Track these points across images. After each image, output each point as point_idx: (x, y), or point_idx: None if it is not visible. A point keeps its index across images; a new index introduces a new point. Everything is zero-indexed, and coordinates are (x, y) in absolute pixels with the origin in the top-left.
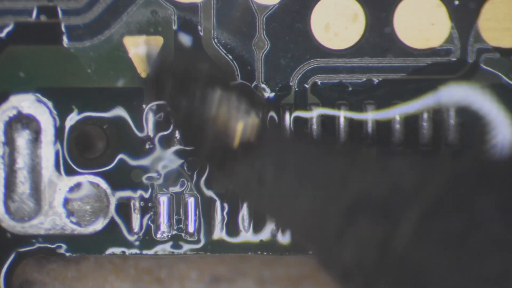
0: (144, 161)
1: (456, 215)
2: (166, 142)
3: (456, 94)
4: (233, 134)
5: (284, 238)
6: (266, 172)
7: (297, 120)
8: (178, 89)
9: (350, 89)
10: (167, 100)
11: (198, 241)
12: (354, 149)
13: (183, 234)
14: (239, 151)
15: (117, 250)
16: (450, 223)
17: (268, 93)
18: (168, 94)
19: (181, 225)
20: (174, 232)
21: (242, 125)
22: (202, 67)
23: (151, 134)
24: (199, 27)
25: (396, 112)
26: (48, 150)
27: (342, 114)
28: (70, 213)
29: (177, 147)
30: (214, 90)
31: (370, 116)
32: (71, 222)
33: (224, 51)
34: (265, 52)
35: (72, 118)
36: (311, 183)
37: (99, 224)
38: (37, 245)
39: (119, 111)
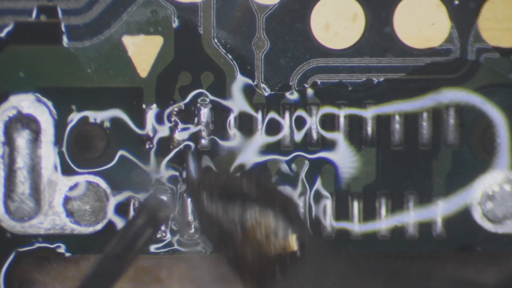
0: (145, 162)
1: None
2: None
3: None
4: (271, 252)
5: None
6: None
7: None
8: (215, 206)
9: (350, 88)
10: (204, 216)
11: (197, 242)
12: (395, 268)
13: (183, 234)
14: (278, 270)
15: None
16: None
17: (268, 92)
18: (204, 210)
19: (181, 225)
20: (173, 232)
21: (280, 242)
22: (240, 183)
23: (150, 134)
24: (199, 27)
25: (396, 111)
26: (48, 150)
27: (342, 114)
28: (69, 213)
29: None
30: (252, 207)
31: (370, 115)
32: (71, 221)
33: (224, 51)
34: (265, 52)
35: (72, 118)
36: None
37: (98, 224)
38: (37, 245)
39: (119, 111)
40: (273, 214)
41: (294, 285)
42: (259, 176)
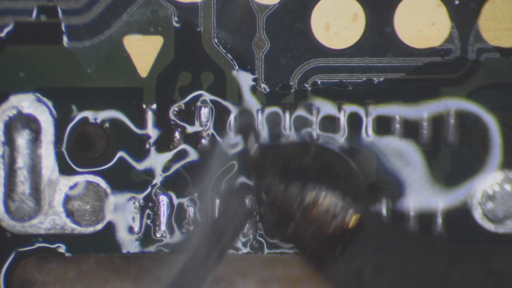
0: (145, 163)
1: None
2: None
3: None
4: (331, 230)
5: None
6: (366, 270)
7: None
8: (278, 177)
9: (350, 88)
10: (264, 188)
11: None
12: (456, 248)
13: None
14: (337, 248)
15: (117, 249)
16: None
17: (267, 92)
18: (266, 181)
19: (183, 225)
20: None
21: (339, 220)
22: (300, 158)
23: (150, 133)
24: (199, 27)
25: (396, 113)
26: (48, 150)
27: (343, 114)
28: (69, 213)
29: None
30: (311, 185)
31: (370, 115)
32: (71, 221)
33: (224, 51)
34: (265, 52)
35: (72, 118)
36: (411, 282)
37: (99, 224)
38: (37, 244)
39: (119, 111)
40: (332, 191)
41: (355, 263)
42: (320, 149)
